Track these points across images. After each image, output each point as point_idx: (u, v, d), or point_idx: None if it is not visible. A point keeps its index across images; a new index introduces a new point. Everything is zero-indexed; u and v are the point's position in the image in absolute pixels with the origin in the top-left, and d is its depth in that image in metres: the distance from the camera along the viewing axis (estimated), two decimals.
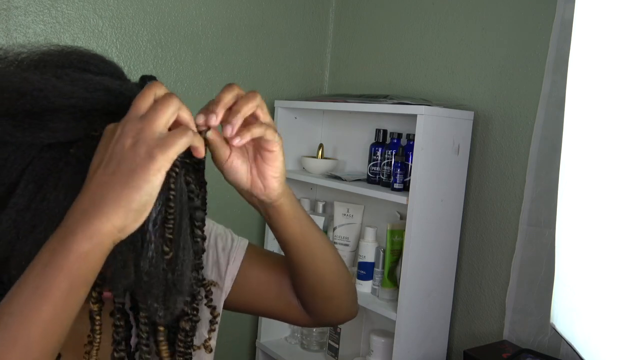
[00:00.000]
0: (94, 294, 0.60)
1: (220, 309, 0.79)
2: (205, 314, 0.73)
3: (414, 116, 1.52)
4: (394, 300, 1.63)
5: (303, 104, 1.95)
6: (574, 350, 1.05)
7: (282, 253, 0.78)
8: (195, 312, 0.65)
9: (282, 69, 2.11)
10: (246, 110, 0.59)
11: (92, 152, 0.56)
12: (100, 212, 0.50)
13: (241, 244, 0.84)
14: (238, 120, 0.58)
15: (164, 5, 1.80)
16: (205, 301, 0.71)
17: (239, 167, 0.64)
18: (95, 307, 0.60)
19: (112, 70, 0.63)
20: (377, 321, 1.88)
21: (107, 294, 0.62)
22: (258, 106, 0.60)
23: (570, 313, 1.08)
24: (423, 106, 1.52)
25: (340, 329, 1.93)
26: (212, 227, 0.84)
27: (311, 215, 2.05)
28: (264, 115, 0.61)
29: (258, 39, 2.03)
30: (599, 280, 0.93)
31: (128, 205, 0.50)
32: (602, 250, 0.92)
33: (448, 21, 1.77)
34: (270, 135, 0.60)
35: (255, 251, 0.86)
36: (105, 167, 0.51)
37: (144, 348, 0.62)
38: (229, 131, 0.58)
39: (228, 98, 0.58)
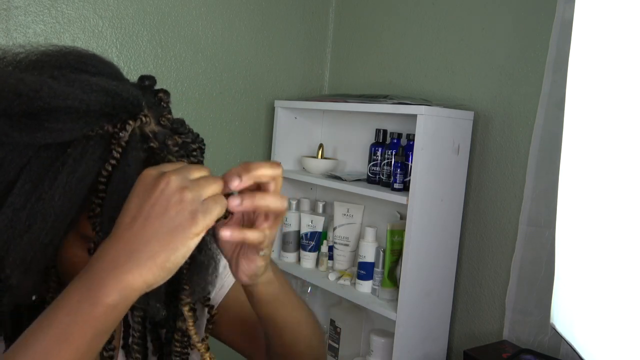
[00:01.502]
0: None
1: (202, 330, 0.79)
2: (203, 313, 0.73)
3: (414, 116, 1.52)
4: (394, 300, 1.63)
5: (303, 104, 1.95)
6: (574, 350, 1.05)
7: None
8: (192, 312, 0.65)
9: (282, 69, 2.11)
10: (262, 172, 0.56)
11: (89, 152, 0.56)
12: (134, 267, 0.50)
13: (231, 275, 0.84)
14: (247, 178, 0.56)
15: (164, 5, 1.80)
16: (203, 300, 0.72)
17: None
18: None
19: (109, 71, 0.63)
20: (377, 321, 1.88)
21: None
22: (275, 180, 0.57)
23: (570, 313, 1.08)
24: (423, 106, 1.52)
25: (340, 329, 1.93)
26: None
27: (311, 215, 2.05)
28: (274, 202, 0.58)
29: (258, 39, 2.03)
30: (599, 280, 0.93)
31: (163, 264, 0.50)
32: (602, 250, 0.92)
33: (448, 21, 1.77)
34: (257, 238, 0.58)
35: (242, 289, 0.86)
36: (145, 218, 0.51)
37: (135, 347, 0.63)
38: (235, 183, 0.55)
39: (262, 172, 0.56)
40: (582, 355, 1.01)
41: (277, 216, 0.59)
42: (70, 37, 1.65)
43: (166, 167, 0.54)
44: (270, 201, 0.57)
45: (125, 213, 0.52)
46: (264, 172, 0.56)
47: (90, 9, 1.67)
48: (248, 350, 0.85)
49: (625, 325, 0.84)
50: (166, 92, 0.66)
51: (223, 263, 0.84)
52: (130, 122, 0.58)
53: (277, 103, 2.02)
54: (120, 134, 0.57)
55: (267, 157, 2.08)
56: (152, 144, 0.59)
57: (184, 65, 1.85)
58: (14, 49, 0.61)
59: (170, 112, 0.65)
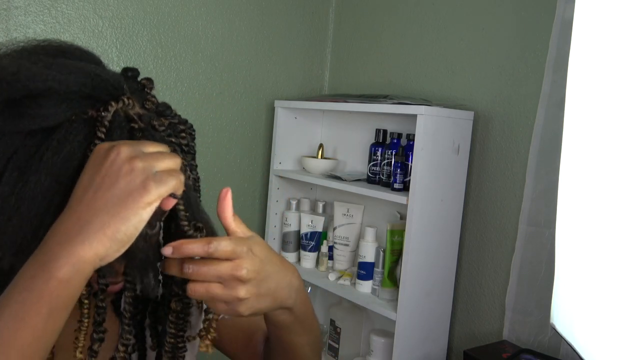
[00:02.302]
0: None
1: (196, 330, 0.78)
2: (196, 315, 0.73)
3: (414, 116, 1.52)
4: (394, 300, 1.63)
5: (303, 104, 1.95)
6: (574, 350, 1.05)
7: None
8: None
9: (282, 69, 2.11)
10: (195, 250, 0.57)
11: (72, 134, 0.56)
12: (85, 239, 0.50)
13: None
14: (178, 249, 0.56)
15: (164, 5, 1.80)
16: (197, 302, 0.71)
17: None
18: (83, 291, 0.59)
19: (90, 58, 0.63)
20: (377, 321, 1.88)
21: (112, 288, 0.62)
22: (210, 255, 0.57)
23: (570, 313, 1.08)
24: (423, 106, 1.52)
25: (340, 329, 1.93)
26: None
27: (311, 215, 2.06)
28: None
29: (258, 39, 2.03)
30: (599, 280, 0.93)
31: (113, 235, 0.50)
32: (602, 250, 0.92)
33: (448, 21, 1.77)
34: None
35: None
36: (96, 190, 0.51)
37: (126, 328, 0.62)
38: (168, 251, 0.56)
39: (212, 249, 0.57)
40: (582, 355, 1.01)
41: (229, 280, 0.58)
42: (70, 37, 1.65)
43: (121, 141, 0.54)
44: (195, 246, 0.56)
45: (78, 186, 0.52)
46: (195, 251, 0.56)
47: (90, 9, 1.67)
48: (243, 356, 0.85)
49: (625, 325, 0.84)
50: (149, 80, 0.66)
51: None
52: (113, 103, 0.58)
53: (277, 103, 2.02)
54: (103, 114, 0.57)
55: (267, 157, 2.09)
56: (134, 125, 0.59)
57: (184, 65, 1.85)
58: (4, 43, 0.61)
59: (154, 98, 0.65)
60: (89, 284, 0.59)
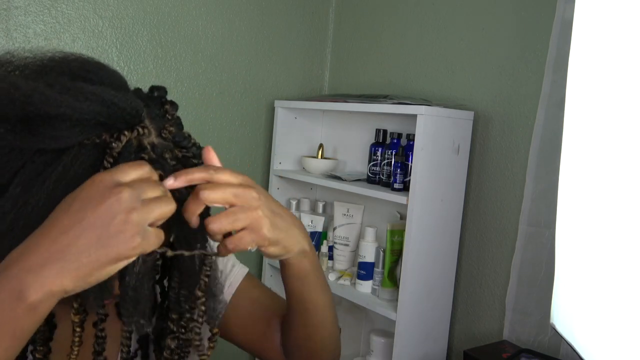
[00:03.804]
0: (75, 305, 0.59)
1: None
2: (204, 331, 0.72)
3: (414, 116, 1.52)
4: (394, 300, 1.63)
5: (303, 104, 1.95)
6: (574, 350, 1.05)
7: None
8: (182, 330, 0.64)
9: (282, 69, 2.11)
10: (194, 176, 0.57)
11: (79, 160, 0.55)
12: (58, 273, 0.49)
13: (240, 272, 0.83)
14: (180, 181, 0.57)
15: (164, 5, 1.80)
16: (202, 319, 0.70)
17: None
18: (76, 319, 0.59)
19: (112, 81, 0.61)
20: (377, 321, 1.88)
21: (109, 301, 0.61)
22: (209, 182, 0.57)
23: (570, 313, 1.08)
24: (423, 106, 1.52)
25: (340, 329, 1.93)
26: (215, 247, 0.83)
27: (311, 215, 2.05)
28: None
29: (258, 39, 2.03)
30: (599, 280, 0.93)
31: (86, 277, 0.50)
32: (602, 250, 0.92)
33: (448, 21, 1.77)
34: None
35: (253, 283, 0.85)
36: (84, 228, 0.50)
37: (124, 341, 0.62)
38: (169, 182, 0.57)
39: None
40: (582, 355, 1.01)
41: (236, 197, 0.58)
42: (70, 37, 1.65)
43: (122, 173, 0.53)
44: (196, 172, 0.57)
45: (65, 212, 0.51)
46: (195, 176, 0.57)
47: (90, 9, 1.67)
48: (260, 348, 0.83)
49: (625, 325, 0.84)
50: (173, 104, 0.65)
51: (231, 262, 0.83)
52: (126, 132, 0.57)
53: (277, 103, 2.02)
54: (114, 144, 0.57)
55: (267, 157, 2.09)
56: (144, 156, 0.58)
57: (184, 65, 1.85)
58: (23, 54, 0.61)
59: (176, 124, 0.64)
60: (83, 312, 0.59)
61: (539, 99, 1.46)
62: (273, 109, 2.04)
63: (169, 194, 0.55)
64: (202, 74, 1.90)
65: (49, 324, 0.66)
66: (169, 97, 0.66)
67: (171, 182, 0.56)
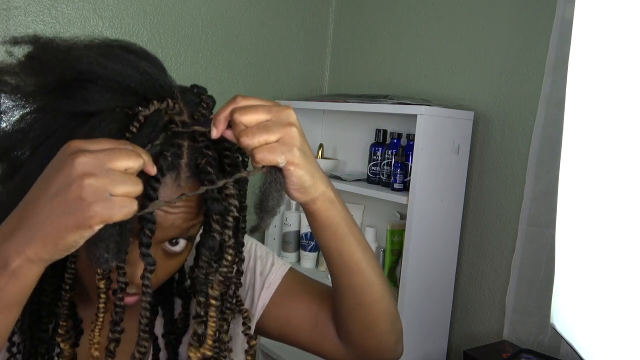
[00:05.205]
0: (99, 271, 0.58)
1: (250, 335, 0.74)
2: (239, 342, 0.70)
3: (414, 116, 1.52)
4: (394, 300, 1.63)
5: (303, 104, 1.95)
6: (574, 350, 1.05)
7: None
8: (206, 315, 0.61)
9: (282, 69, 2.11)
10: (227, 110, 0.57)
11: (105, 123, 0.55)
12: (30, 242, 0.49)
13: (280, 270, 0.79)
14: (218, 124, 0.57)
15: (164, 5, 1.80)
16: (242, 328, 0.68)
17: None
18: (101, 284, 0.58)
19: (153, 62, 0.62)
20: None
21: (129, 299, 0.60)
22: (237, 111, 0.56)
23: (570, 313, 1.08)
24: (423, 106, 1.52)
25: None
26: (254, 248, 0.80)
27: None
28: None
29: (258, 39, 2.03)
30: (599, 280, 0.93)
31: (54, 245, 0.49)
32: (602, 250, 0.92)
33: (448, 21, 1.77)
34: (258, 155, 0.55)
35: (295, 278, 0.81)
36: (48, 197, 0.49)
37: (142, 334, 0.58)
38: (214, 133, 0.56)
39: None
40: (582, 355, 1.01)
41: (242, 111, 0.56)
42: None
43: (91, 142, 0.50)
44: (227, 108, 0.57)
45: (39, 179, 0.51)
46: (227, 111, 0.56)
47: (90, 9, 1.67)
48: (314, 340, 0.78)
49: (625, 325, 0.84)
50: (210, 97, 0.64)
51: (271, 260, 0.81)
52: (155, 102, 0.57)
53: None
54: (141, 108, 0.56)
55: None
56: (173, 126, 0.57)
57: (184, 65, 1.85)
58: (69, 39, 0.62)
59: (210, 112, 0.62)
60: (108, 278, 0.58)
61: (539, 99, 1.46)
62: None
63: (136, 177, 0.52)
64: (202, 74, 1.90)
65: (76, 329, 0.66)
66: None
67: (215, 133, 0.56)
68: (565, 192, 1.09)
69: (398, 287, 1.61)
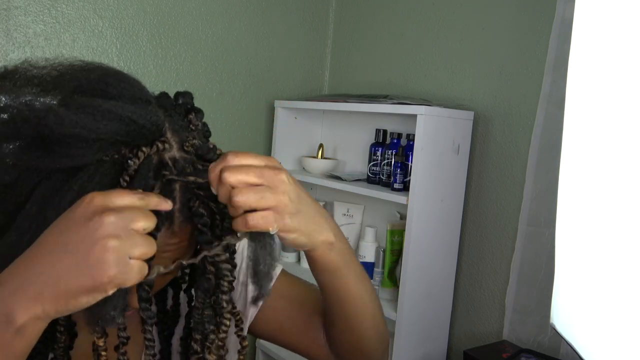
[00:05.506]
0: (97, 328, 0.56)
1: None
2: (232, 342, 0.70)
3: (414, 116, 1.52)
4: (394, 300, 1.63)
5: (303, 104, 1.95)
6: (574, 350, 1.04)
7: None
8: (207, 351, 0.62)
9: (282, 69, 2.11)
10: (216, 170, 0.55)
11: (96, 179, 0.54)
12: (39, 297, 0.48)
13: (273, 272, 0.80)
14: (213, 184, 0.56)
15: (164, 5, 1.80)
16: (235, 329, 0.68)
17: None
18: (100, 342, 0.57)
19: (132, 93, 0.58)
20: None
21: (130, 312, 0.60)
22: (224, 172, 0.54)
23: (570, 313, 1.08)
24: (423, 106, 1.52)
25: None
26: (246, 249, 0.81)
27: None
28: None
29: (258, 39, 2.03)
30: (599, 280, 0.93)
31: (65, 305, 0.48)
32: (602, 250, 0.92)
33: (448, 21, 1.77)
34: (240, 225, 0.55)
35: (288, 280, 0.82)
36: (65, 252, 0.48)
37: (147, 343, 0.59)
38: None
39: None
40: (582, 355, 1.01)
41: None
42: (71, 37, 1.65)
43: (114, 197, 0.50)
44: (217, 166, 0.55)
45: (52, 232, 0.49)
46: (216, 170, 0.55)
47: (90, 9, 1.67)
48: (305, 347, 0.80)
49: (625, 325, 0.84)
50: (198, 113, 0.62)
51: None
52: (144, 149, 0.55)
53: (277, 103, 2.02)
54: (131, 161, 0.55)
55: None
56: (166, 173, 0.56)
57: (184, 65, 1.85)
58: (40, 62, 0.58)
59: (201, 134, 0.61)
60: (105, 334, 0.57)
61: (539, 99, 1.46)
62: (273, 109, 2.04)
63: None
64: (202, 74, 1.90)
65: (70, 332, 0.65)
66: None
67: (214, 192, 0.55)
68: (565, 192, 1.09)
69: (398, 287, 1.61)
